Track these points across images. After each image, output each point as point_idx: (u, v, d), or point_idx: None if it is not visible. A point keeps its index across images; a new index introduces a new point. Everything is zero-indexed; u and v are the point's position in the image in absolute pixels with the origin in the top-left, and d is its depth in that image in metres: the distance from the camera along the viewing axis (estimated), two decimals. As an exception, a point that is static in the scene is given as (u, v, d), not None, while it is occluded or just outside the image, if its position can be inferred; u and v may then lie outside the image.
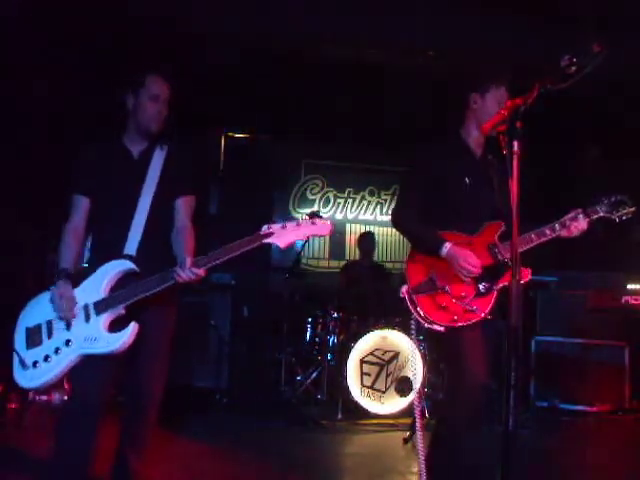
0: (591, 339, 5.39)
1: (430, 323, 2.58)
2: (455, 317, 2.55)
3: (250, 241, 2.35)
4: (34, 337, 2.50)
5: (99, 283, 2.49)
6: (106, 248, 2.59)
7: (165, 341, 2.65)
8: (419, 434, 2.70)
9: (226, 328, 5.35)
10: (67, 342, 2.43)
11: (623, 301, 5.47)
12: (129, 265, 2.49)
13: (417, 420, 2.80)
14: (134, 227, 2.58)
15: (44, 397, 4.58)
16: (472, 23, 4.90)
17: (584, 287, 5.63)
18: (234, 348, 5.43)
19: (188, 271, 2.35)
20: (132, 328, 2.38)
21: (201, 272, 2.38)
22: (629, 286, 5.59)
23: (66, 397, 4.58)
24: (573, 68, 2.01)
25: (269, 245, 2.35)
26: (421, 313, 2.58)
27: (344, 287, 6.01)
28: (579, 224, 2.66)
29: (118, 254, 2.54)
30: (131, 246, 2.55)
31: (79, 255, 2.63)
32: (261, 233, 2.35)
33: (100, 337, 2.40)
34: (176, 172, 2.71)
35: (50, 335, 2.48)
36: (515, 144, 1.86)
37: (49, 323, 2.50)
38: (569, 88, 1.95)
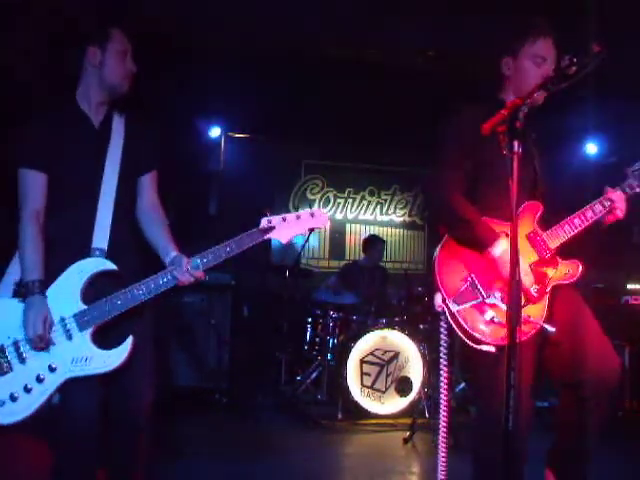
0: (591, 339, 5.38)
1: (478, 343, 2.07)
2: None
3: (252, 237, 2.14)
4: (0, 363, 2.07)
5: (73, 289, 2.10)
6: (69, 238, 2.18)
7: (149, 342, 2.31)
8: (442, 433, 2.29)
9: (226, 328, 5.35)
10: (50, 367, 2.05)
11: (623, 301, 5.47)
12: (107, 265, 2.14)
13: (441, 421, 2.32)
14: (101, 212, 2.19)
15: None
16: (472, 23, 4.89)
17: (584, 287, 5.62)
18: (234, 348, 5.42)
19: (187, 274, 2.13)
20: (130, 342, 2.08)
21: (201, 275, 2.15)
22: (629, 286, 5.59)
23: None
24: (573, 68, 2.01)
25: (269, 242, 2.16)
26: (468, 331, 2.07)
27: (337, 288, 5.98)
28: (621, 203, 2.31)
29: (85, 247, 2.15)
30: (101, 236, 2.17)
31: (44, 252, 2.14)
32: (261, 228, 2.15)
33: (93, 356, 2.06)
34: (140, 143, 2.35)
35: (23, 359, 2.06)
36: (515, 144, 1.84)
37: (16, 344, 2.07)
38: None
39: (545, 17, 2.38)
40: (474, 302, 2.09)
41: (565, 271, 2.27)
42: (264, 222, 2.15)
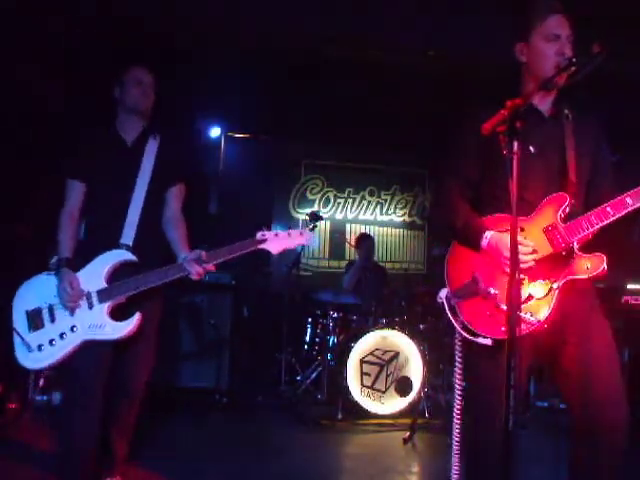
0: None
1: (474, 335, 2.09)
2: (504, 327, 1.99)
3: (248, 245, 2.57)
4: (35, 320, 2.62)
5: (99, 271, 2.63)
6: (102, 235, 2.71)
7: (154, 329, 2.83)
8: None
9: (226, 328, 5.35)
10: (72, 328, 2.58)
11: (623, 301, 5.47)
12: (129, 256, 2.65)
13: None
14: (130, 216, 2.70)
15: (44, 397, 4.57)
16: (472, 23, 4.89)
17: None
18: (234, 348, 5.42)
19: (197, 266, 2.56)
20: (137, 317, 2.58)
21: (211, 267, 2.59)
22: (629, 286, 5.58)
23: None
24: (573, 68, 2.00)
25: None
26: (463, 322, 2.12)
27: (351, 285, 5.99)
28: None
29: (115, 243, 2.67)
30: (128, 235, 2.69)
31: (76, 240, 2.74)
32: (257, 239, 2.56)
33: (106, 324, 2.57)
34: (169, 161, 2.85)
35: (53, 319, 2.61)
36: (515, 144, 1.84)
37: (51, 308, 2.62)
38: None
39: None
40: (472, 296, 2.13)
41: (584, 265, 2.08)
42: (259, 235, 2.57)
